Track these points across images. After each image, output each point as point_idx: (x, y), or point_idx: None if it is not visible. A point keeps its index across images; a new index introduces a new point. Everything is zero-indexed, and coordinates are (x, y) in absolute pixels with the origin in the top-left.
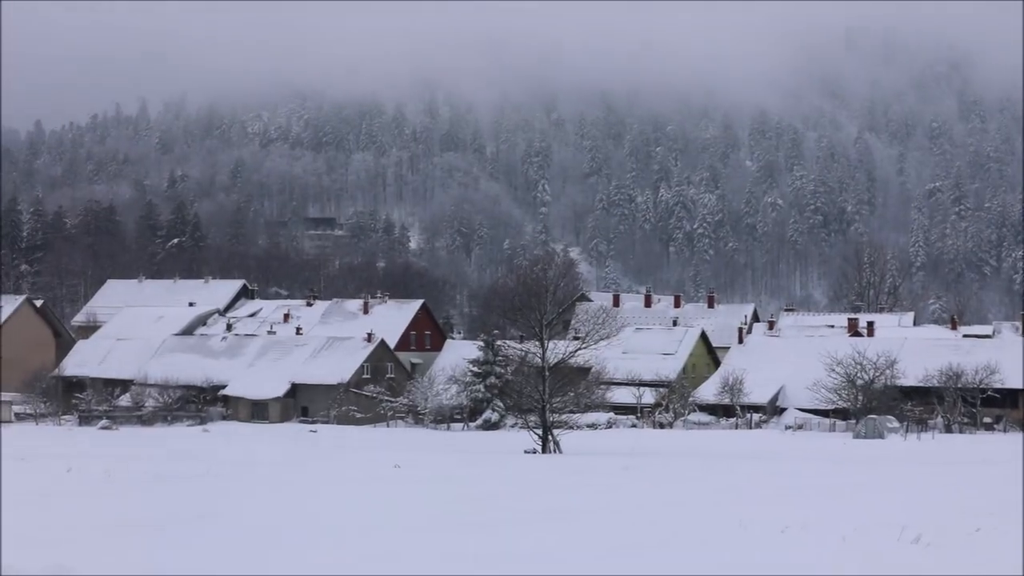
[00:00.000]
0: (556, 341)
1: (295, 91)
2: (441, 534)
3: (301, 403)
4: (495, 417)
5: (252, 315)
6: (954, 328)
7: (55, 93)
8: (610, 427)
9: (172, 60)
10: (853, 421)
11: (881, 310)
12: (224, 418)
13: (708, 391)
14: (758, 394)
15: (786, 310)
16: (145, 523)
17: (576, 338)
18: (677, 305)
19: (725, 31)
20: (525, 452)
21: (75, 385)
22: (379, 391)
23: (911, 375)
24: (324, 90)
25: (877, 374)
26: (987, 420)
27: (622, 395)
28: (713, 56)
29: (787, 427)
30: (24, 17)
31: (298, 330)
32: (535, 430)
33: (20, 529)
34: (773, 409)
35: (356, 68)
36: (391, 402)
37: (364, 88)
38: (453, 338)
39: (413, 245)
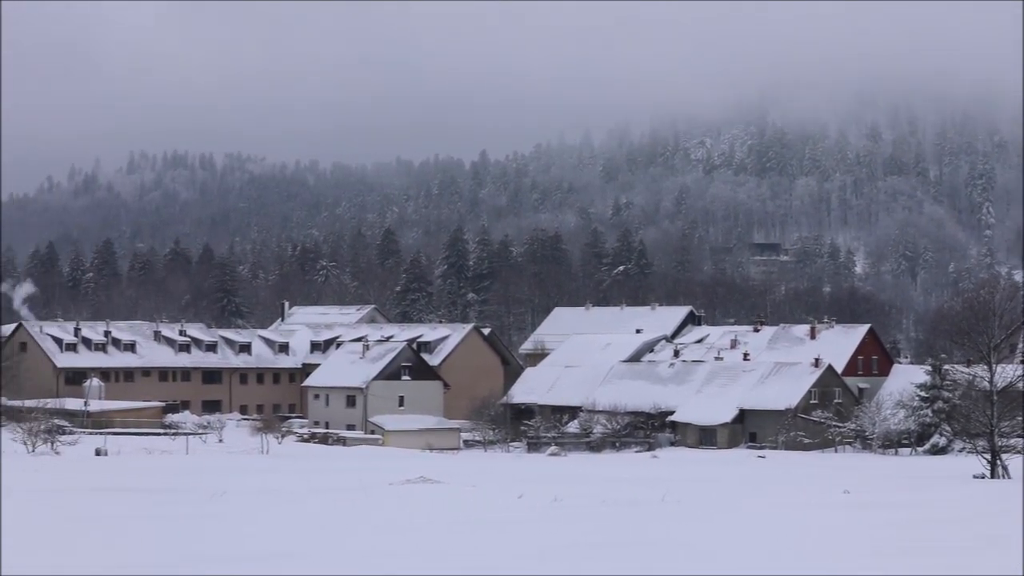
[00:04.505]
0: (1004, 365)
1: (738, 116)
2: (888, 559)
3: (749, 428)
4: (943, 442)
5: (699, 341)
6: None
7: (500, 124)
8: None
9: (616, 88)
10: None
11: None
12: (672, 444)
13: None
14: None
15: None
16: (580, 546)
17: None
18: None
19: None
20: (973, 477)
21: (523, 412)
22: (827, 416)
23: None
24: (765, 115)
25: None
26: None
27: None
28: None
29: None
30: (469, 57)
31: (745, 356)
32: (983, 455)
33: (465, 554)
34: None
35: (795, 93)
36: (838, 427)
37: (806, 112)
38: (900, 363)
39: (858, 269)
